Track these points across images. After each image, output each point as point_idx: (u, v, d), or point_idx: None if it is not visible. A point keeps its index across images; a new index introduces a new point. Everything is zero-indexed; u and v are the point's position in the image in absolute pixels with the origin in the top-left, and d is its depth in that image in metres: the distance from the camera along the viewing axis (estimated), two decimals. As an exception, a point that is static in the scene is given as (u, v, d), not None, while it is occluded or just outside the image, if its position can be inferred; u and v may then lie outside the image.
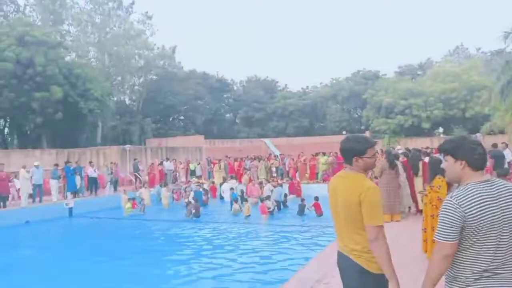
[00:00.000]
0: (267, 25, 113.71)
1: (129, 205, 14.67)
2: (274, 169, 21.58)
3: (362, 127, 44.93)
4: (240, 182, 19.88)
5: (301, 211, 12.95)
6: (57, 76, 27.83)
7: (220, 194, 17.90)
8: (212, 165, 22.89)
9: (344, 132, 43.14)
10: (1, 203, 14.62)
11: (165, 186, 17.45)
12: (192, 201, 15.27)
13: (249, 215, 12.89)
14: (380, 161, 9.76)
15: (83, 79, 30.44)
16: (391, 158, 9.35)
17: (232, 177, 20.46)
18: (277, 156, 25.62)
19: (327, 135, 43.85)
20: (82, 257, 8.94)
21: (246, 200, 13.85)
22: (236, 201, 13.75)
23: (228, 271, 7.22)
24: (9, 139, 34.61)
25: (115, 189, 19.48)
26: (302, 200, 13.52)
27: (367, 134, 39.08)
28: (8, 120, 32.15)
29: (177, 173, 22.93)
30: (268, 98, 54.38)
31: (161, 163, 22.33)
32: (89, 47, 42.10)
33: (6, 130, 34.29)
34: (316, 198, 12.65)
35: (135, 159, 22.50)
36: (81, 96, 29.78)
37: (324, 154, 20.75)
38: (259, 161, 21.90)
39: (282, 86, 60.42)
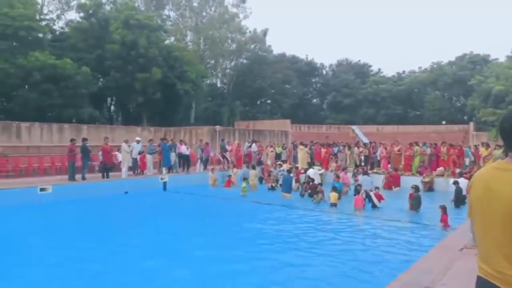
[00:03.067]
0: (361, 6, 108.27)
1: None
2: (362, 157, 20.49)
3: (465, 117, 40.70)
4: (326, 169, 19.27)
5: (417, 203, 11.50)
6: (157, 58, 29.68)
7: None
8: (298, 149, 22.51)
9: (443, 122, 39.50)
10: (106, 174, 16.04)
11: (253, 168, 17.53)
12: (276, 186, 15.16)
13: (336, 204, 12.30)
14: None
15: (181, 61, 32.05)
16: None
17: (316, 164, 19.92)
18: (367, 144, 24.30)
19: (422, 124, 40.62)
20: (176, 228, 9.42)
21: (335, 190, 13.23)
22: (335, 189, 13.09)
23: (316, 270, 6.52)
24: (115, 116, 38.11)
25: (205, 167, 20.22)
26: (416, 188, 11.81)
27: (471, 125, 35.21)
28: (114, 99, 35.32)
29: (262, 156, 23.04)
30: (358, 83, 52.03)
31: (250, 146, 22.59)
32: (187, 31, 44.16)
33: (112, 108, 37.78)
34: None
35: (222, 140, 23.12)
36: (178, 78, 31.44)
37: (424, 144, 19.11)
38: (349, 149, 20.99)
39: (375, 70, 57.29)
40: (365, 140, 29.91)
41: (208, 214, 11.81)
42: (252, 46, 48.10)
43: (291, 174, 15.55)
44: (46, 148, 18.56)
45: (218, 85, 49.44)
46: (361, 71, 55.56)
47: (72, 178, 14.73)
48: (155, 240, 8.52)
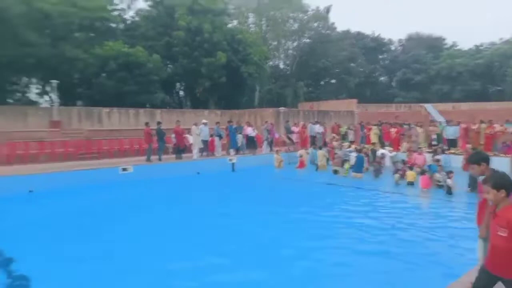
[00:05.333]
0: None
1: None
2: (434, 136, 19.33)
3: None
4: (396, 149, 18.48)
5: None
6: (221, 42, 30.19)
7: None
8: (365, 130, 21.84)
9: (530, 97, 35.75)
10: (179, 155, 16.88)
11: (320, 149, 17.38)
12: (342, 168, 14.73)
13: (412, 183, 11.88)
14: None
15: (244, 44, 32.28)
16: None
17: (386, 144, 19.17)
18: (441, 123, 22.83)
19: (505, 100, 37.13)
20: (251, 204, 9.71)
21: (411, 169, 12.72)
22: (399, 171, 12.66)
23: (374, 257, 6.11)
24: (184, 100, 39.69)
25: (271, 148, 20.42)
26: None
27: None
28: (183, 84, 36.72)
29: (327, 137, 22.68)
30: (430, 58, 48.69)
31: (315, 127, 22.35)
32: (248, 13, 44.19)
33: (181, 92, 39.32)
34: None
35: (287, 121, 23.10)
36: (242, 61, 31.78)
37: (507, 122, 17.52)
38: (421, 128, 19.90)
39: (449, 44, 53.15)
40: (440, 119, 28.09)
41: (292, 197, 11.64)
42: (315, 25, 46.92)
43: (363, 154, 15.15)
44: (125, 132, 19.95)
45: (281, 66, 49.14)
46: (433, 45, 51.82)
47: (149, 159, 15.73)
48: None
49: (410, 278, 5.29)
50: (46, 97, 30.16)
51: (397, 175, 12.70)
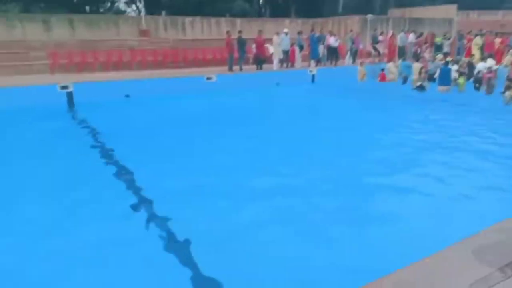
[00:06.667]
0: None
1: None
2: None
3: None
4: (499, 62, 16.46)
5: None
6: None
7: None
8: (465, 40, 19.56)
9: None
10: (260, 65, 16.93)
11: (416, 60, 15.97)
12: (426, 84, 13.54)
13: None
14: None
15: None
16: None
17: (490, 56, 17.05)
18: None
19: None
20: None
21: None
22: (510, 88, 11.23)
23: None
24: (263, 9, 38.41)
25: (354, 60, 19.47)
26: None
27: None
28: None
29: (418, 48, 20.77)
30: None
31: (406, 36, 20.48)
32: None
33: (260, 1, 37.92)
34: None
35: (374, 30, 21.48)
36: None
37: None
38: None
39: None
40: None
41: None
42: None
43: (451, 66, 13.77)
44: (206, 41, 20.26)
45: (370, -33, 44.08)
46: None
47: (230, 68, 16.06)
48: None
49: None
50: (133, 7, 31.23)
51: (508, 93, 11.19)
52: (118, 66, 16.69)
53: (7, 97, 10.75)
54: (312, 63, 18.30)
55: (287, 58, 17.95)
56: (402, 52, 19.33)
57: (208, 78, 13.87)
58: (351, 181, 5.43)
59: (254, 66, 17.23)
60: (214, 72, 14.66)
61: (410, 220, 4.24)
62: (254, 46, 17.27)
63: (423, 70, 14.25)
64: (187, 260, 3.44)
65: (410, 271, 2.68)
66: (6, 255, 3.63)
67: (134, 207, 4.59)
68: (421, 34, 21.30)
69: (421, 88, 13.54)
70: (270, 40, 17.68)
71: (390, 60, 18.20)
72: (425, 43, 21.22)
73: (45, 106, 10.75)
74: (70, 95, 11.37)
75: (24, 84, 11.93)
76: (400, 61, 16.48)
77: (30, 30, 17.52)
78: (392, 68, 15.86)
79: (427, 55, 19.58)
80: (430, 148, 6.99)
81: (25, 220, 4.36)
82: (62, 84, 11.36)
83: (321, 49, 18.57)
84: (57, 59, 15.78)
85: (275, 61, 17.37)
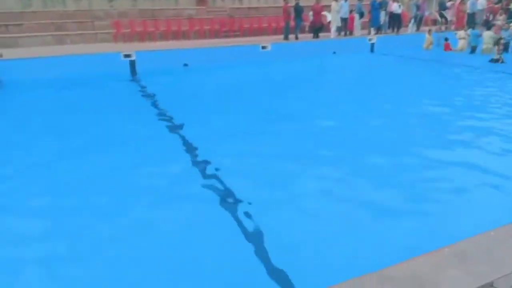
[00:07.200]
0: None
1: (489, 44, 13.10)
2: None
3: None
4: None
5: None
6: None
7: None
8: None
9: None
10: (316, 34, 16.47)
11: (488, 29, 14.67)
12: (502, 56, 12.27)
13: None
14: None
15: None
16: None
17: None
18: None
19: None
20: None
21: None
22: None
23: None
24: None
25: (418, 28, 18.30)
26: None
27: None
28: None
29: (490, 14, 18.96)
30: None
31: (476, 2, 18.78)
32: None
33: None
34: None
35: (443, -5, 19.87)
36: None
37: None
38: None
39: None
40: None
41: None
42: None
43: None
44: (262, 9, 19.97)
45: None
46: None
47: (286, 37, 15.79)
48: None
49: None
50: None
51: None
52: (177, 35, 17.05)
53: (76, 63, 11.46)
54: (372, 31, 17.46)
55: (346, 25, 17.27)
56: (471, 20, 17.80)
57: (263, 47, 13.78)
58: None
59: (311, 35, 16.79)
60: (269, 41, 14.52)
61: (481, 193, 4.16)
62: (311, 13, 16.76)
63: (501, 41, 12.79)
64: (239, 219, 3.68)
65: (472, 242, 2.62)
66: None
67: (192, 164, 5.08)
68: (499, 1, 19.41)
69: (497, 61, 12.31)
70: (328, 7, 17.02)
71: (457, 28, 16.89)
72: (500, 9, 19.31)
73: (110, 73, 11.37)
74: (132, 63, 11.90)
75: (91, 52, 12.61)
76: (469, 30, 15.25)
77: (95, 0, 18.31)
78: (463, 35, 14.73)
79: (500, 22, 17.87)
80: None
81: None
82: (125, 53, 11.90)
83: (383, 16, 17.61)
84: (120, 29, 16.43)
85: (333, 29, 16.78)
